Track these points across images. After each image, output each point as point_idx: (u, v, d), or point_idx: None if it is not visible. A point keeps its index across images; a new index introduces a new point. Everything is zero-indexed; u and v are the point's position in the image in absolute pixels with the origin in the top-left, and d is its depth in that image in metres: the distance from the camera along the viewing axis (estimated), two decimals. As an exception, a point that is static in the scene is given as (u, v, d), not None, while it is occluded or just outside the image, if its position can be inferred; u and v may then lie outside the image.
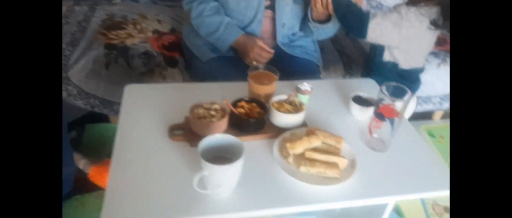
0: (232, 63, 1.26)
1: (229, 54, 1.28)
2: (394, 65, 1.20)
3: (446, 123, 1.81)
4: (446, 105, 1.59)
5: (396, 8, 1.13)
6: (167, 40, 1.49)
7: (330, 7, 1.14)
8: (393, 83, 0.85)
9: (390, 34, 1.12)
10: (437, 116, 1.81)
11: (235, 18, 1.26)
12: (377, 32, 1.12)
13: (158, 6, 1.74)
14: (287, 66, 1.30)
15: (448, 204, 1.45)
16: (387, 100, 0.83)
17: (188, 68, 1.38)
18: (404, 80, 1.22)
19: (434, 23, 1.09)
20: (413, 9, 1.09)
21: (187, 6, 1.28)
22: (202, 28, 1.25)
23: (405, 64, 1.19)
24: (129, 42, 1.42)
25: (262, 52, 1.22)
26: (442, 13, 1.09)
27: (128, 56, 1.36)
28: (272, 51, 1.24)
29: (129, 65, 1.35)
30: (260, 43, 1.23)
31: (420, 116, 1.74)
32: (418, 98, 1.55)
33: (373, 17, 1.11)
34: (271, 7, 1.27)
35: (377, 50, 1.21)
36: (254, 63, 1.23)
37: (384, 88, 0.83)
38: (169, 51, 1.44)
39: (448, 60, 1.51)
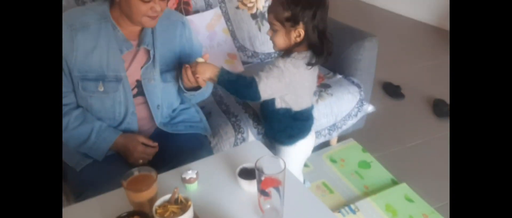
0: (112, 164, 1.16)
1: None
2: (287, 110, 1.27)
3: (343, 145, 1.95)
4: (335, 133, 1.71)
5: (274, 63, 1.20)
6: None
7: (200, 81, 1.15)
8: (267, 156, 0.87)
9: (278, 88, 1.20)
10: (334, 141, 1.93)
11: (106, 119, 1.18)
12: (268, 91, 1.18)
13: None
14: (174, 147, 1.26)
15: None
16: (265, 175, 0.83)
17: (65, 180, 1.23)
18: (298, 121, 1.29)
19: (309, 64, 1.18)
20: (288, 60, 1.17)
21: None
22: (71, 141, 1.15)
23: (296, 106, 1.27)
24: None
25: (146, 149, 1.17)
26: (313, 53, 1.19)
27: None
28: (156, 144, 1.20)
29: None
30: (142, 139, 1.18)
31: (319, 146, 1.84)
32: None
33: (259, 80, 1.16)
34: (140, 92, 1.22)
35: (269, 101, 1.27)
36: (140, 161, 1.17)
37: (258, 164, 0.84)
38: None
39: (323, 94, 1.63)
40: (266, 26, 1.96)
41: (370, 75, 1.77)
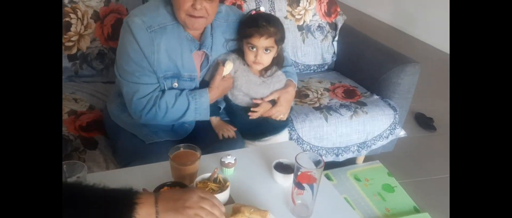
0: (162, 146, 1.23)
1: (170, 137, 1.26)
2: None
3: (369, 165, 1.96)
4: (364, 151, 1.73)
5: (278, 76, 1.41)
6: (85, 120, 1.42)
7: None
8: (307, 152, 0.92)
9: None
10: (360, 160, 1.95)
11: (184, 75, 1.25)
12: None
13: (74, 83, 1.68)
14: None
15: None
16: (303, 169, 0.88)
17: (114, 148, 1.31)
18: None
19: None
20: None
21: (141, 114, 1.20)
22: (176, 114, 1.22)
23: None
24: (41, 128, 1.33)
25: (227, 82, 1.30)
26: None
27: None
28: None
29: (42, 154, 1.25)
30: (220, 75, 1.28)
31: (344, 163, 1.86)
32: (338, 149, 1.67)
33: None
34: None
35: None
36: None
37: (298, 158, 0.89)
38: (88, 132, 1.37)
39: (359, 111, 1.67)
40: (310, 38, 2.03)
41: (407, 100, 1.79)
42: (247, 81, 1.34)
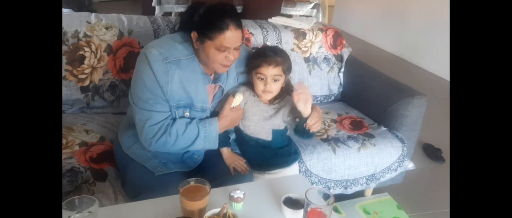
0: (172, 178, 1.23)
1: (180, 169, 1.27)
2: None
3: (378, 198, 1.93)
4: (372, 184, 1.71)
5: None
6: (95, 151, 1.44)
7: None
8: (317, 187, 0.92)
9: None
10: (368, 192, 1.93)
11: (197, 106, 1.28)
12: None
13: (86, 114, 1.71)
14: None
15: None
16: (313, 205, 0.88)
17: (123, 180, 1.32)
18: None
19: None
20: None
21: (151, 141, 1.23)
22: (185, 142, 1.24)
23: None
24: (52, 159, 1.35)
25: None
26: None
27: (51, 175, 1.28)
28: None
29: (52, 185, 1.26)
30: (229, 105, 1.30)
31: (353, 195, 1.84)
32: (346, 181, 1.66)
33: None
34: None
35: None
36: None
37: (308, 194, 0.89)
38: (98, 163, 1.38)
39: (366, 143, 1.67)
40: (316, 70, 2.07)
41: (414, 132, 1.78)
42: (258, 110, 1.39)
